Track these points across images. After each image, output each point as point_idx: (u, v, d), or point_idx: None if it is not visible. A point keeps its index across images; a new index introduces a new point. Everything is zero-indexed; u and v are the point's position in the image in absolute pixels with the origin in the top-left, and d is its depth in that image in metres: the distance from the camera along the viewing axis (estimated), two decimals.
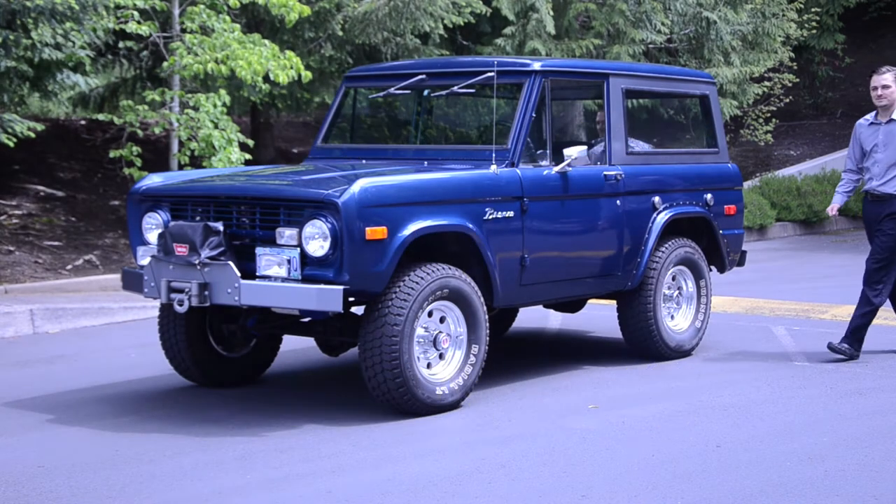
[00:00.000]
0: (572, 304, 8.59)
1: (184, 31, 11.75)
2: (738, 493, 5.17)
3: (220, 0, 11.85)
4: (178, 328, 7.19)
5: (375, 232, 6.25)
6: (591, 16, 14.72)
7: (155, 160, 13.11)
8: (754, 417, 6.53)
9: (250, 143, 12.03)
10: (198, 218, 6.74)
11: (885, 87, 7.90)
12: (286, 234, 6.35)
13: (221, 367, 7.38)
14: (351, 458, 5.76)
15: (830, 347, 8.04)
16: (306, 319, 7.09)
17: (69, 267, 11.39)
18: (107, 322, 9.89)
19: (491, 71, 7.23)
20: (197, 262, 6.38)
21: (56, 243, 12.10)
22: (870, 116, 8.10)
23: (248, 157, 11.54)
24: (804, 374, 7.65)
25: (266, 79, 11.62)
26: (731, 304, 10.60)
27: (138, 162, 11.54)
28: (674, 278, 8.22)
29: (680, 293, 8.29)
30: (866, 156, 8.04)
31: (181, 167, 11.50)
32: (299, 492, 5.26)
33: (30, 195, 13.49)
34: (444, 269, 6.59)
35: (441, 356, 6.70)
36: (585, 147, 7.53)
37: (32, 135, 10.89)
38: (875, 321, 9.75)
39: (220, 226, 6.47)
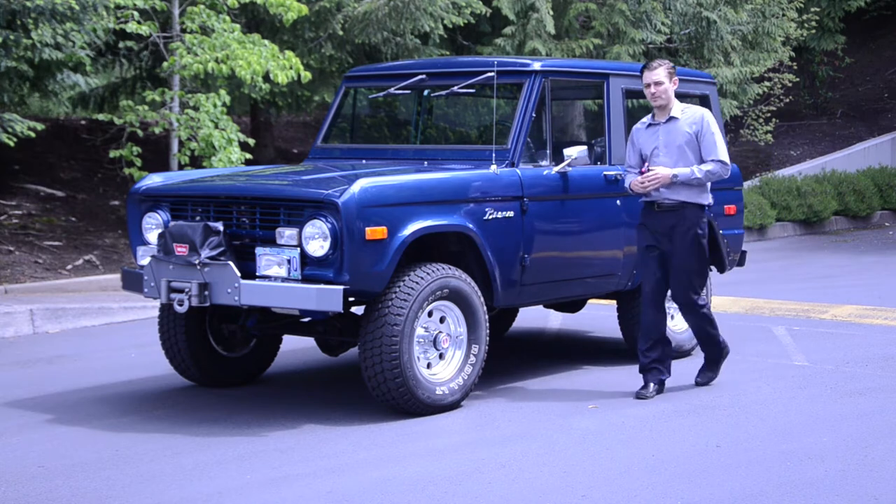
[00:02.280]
0: (572, 304, 8.59)
1: (184, 31, 11.76)
2: (738, 493, 5.17)
3: (219, 0, 11.85)
4: (178, 328, 7.19)
5: (375, 232, 6.25)
6: (591, 16, 14.72)
7: (155, 160, 13.11)
8: (754, 417, 6.53)
9: (251, 142, 12.04)
10: (198, 218, 6.74)
11: (658, 83, 6.95)
12: (286, 234, 6.35)
13: (221, 367, 7.38)
14: (351, 458, 5.76)
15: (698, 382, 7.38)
16: (306, 319, 7.09)
17: (69, 267, 11.39)
18: (107, 322, 9.90)
19: (491, 71, 7.23)
20: (197, 262, 6.38)
21: (56, 243, 12.10)
22: (647, 119, 7.14)
23: (248, 156, 11.54)
24: (804, 374, 7.65)
25: (266, 79, 11.63)
26: (731, 304, 10.60)
27: (138, 162, 11.54)
28: None
29: None
30: (647, 161, 7.04)
31: (181, 167, 11.50)
32: (299, 492, 5.26)
33: (30, 195, 13.49)
34: (444, 269, 6.59)
35: (441, 356, 6.70)
36: (586, 147, 7.52)
37: (32, 134, 10.90)
38: (874, 321, 9.76)
39: (220, 226, 6.47)
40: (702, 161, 6.98)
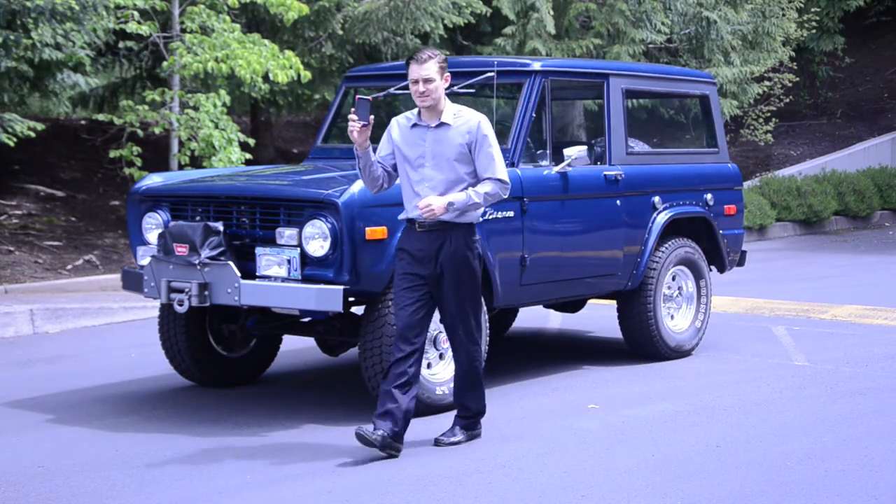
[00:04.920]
0: (572, 304, 8.59)
1: (184, 30, 11.76)
2: (738, 493, 5.17)
3: (219, 0, 11.85)
4: (178, 328, 7.19)
5: (375, 232, 6.25)
6: (592, 15, 14.72)
7: (155, 160, 13.10)
8: (754, 417, 6.53)
9: (251, 142, 12.04)
10: (198, 218, 6.74)
11: (428, 80, 5.72)
12: (286, 234, 6.35)
13: (221, 367, 7.38)
14: (351, 458, 5.75)
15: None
16: (306, 319, 7.09)
17: (69, 267, 11.39)
18: (107, 322, 9.89)
19: (491, 71, 7.22)
20: (197, 262, 6.38)
21: (56, 243, 12.10)
22: (412, 115, 5.91)
23: (248, 156, 11.54)
24: (804, 374, 7.65)
25: (266, 78, 11.63)
26: (731, 304, 10.60)
27: (138, 162, 11.55)
28: (674, 278, 8.22)
29: (680, 293, 8.29)
30: (405, 168, 5.91)
31: (181, 167, 11.50)
32: (299, 492, 5.26)
33: (30, 195, 13.50)
34: None
35: (441, 356, 6.69)
36: (586, 147, 7.52)
37: (32, 134, 10.90)
38: (874, 321, 9.75)
39: (220, 226, 6.47)
40: (475, 176, 5.86)
